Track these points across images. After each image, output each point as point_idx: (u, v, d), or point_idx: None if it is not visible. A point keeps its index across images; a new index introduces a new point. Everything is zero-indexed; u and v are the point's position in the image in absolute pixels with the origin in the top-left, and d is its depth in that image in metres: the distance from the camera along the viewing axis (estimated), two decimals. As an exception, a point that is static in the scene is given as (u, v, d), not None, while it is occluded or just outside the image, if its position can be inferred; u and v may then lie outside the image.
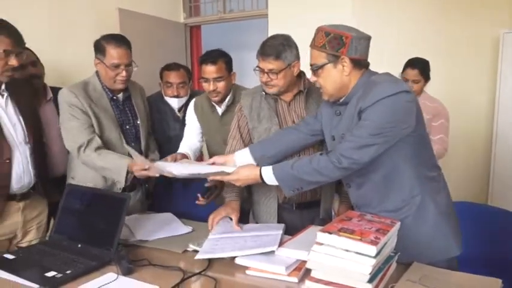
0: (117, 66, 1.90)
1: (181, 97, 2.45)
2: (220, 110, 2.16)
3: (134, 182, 2.02)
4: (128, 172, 1.84)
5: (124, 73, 1.92)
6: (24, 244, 1.75)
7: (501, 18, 3.20)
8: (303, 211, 1.82)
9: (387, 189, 1.43)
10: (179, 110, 2.47)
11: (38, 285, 1.26)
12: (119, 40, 1.92)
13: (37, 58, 2.27)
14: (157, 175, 1.75)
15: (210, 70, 2.03)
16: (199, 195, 1.85)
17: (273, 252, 1.40)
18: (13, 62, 1.62)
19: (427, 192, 1.41)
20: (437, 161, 1.52)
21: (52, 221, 2.01)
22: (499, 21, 3.19)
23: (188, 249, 1.56)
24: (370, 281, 1.14)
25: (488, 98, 3.32)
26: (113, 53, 1.89)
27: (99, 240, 1.51)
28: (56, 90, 2.10)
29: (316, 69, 1.43)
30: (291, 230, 1.62)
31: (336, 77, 1.41)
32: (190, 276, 1.34)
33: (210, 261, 1.42)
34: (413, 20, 3.42)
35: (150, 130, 2.27)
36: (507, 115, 3.18)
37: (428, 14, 3.38)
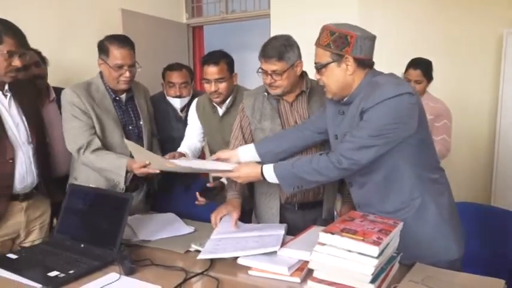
0: (120, 66, 1.90)
1: (184, 97, 2.45)
2: (221, 110, 2.16)
3: (136, 182, 2.03)
4: (127, 171, 1.84)
5: (127, 74, 1.92)
6: (27, 244, 1.75)
7: (504, 17, 3.16)
8: (305, 211, 1.82)
9: (387, 190, 1.43)
10: (181, 110, 2.47)
11: (40, 285, 1.27)
12: (122, 41, 1.93)
13: (44, 59, 2.28)
14: (158, 171, 1.75)
15: (211, 71, 2.03)
16: (198, 193, 1.85)
17: (275, 252, 1.40)
18: (17, 62, 1.62)
19: (428, 194, 1.40)
20: (440, 163, 1.51)
21: (55, 221, 2.01)
22: (502, 20, 3.16)
23: (190, 249, 1.56)
24: (372, 281, 1.14)
25: (491, 97, 3.30)
26: (116, 54, 1.89)
27: (101, 240, 1.51)
28: (59, 91, 2.10)
29: (320, 67, 1.43)
30: (293, 230, 1.62)
31: (339, 76, 1.41)
32: (193, 277, 1.34)
33: (212, 262, 1.43)
34: (414, 19, 3.40)
35: (155, 131, 2.27)
36: (510, 115, 3.17)
37: (429, 13, 3.36)
